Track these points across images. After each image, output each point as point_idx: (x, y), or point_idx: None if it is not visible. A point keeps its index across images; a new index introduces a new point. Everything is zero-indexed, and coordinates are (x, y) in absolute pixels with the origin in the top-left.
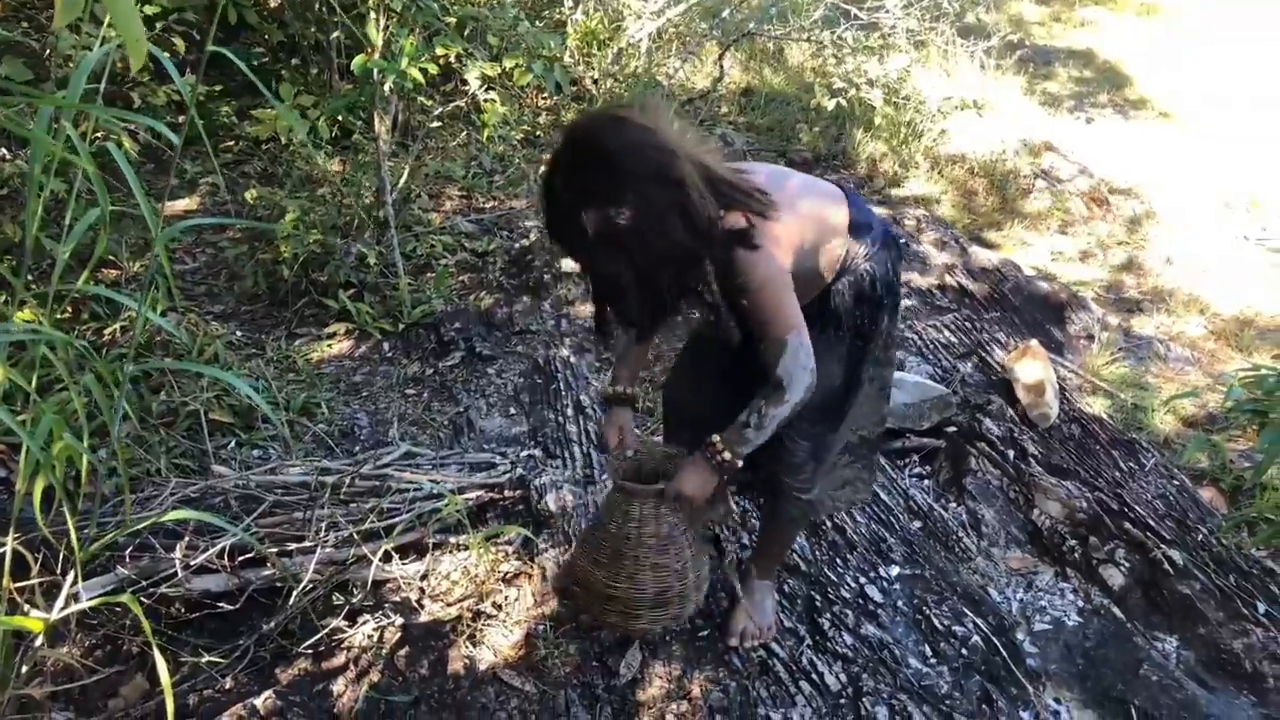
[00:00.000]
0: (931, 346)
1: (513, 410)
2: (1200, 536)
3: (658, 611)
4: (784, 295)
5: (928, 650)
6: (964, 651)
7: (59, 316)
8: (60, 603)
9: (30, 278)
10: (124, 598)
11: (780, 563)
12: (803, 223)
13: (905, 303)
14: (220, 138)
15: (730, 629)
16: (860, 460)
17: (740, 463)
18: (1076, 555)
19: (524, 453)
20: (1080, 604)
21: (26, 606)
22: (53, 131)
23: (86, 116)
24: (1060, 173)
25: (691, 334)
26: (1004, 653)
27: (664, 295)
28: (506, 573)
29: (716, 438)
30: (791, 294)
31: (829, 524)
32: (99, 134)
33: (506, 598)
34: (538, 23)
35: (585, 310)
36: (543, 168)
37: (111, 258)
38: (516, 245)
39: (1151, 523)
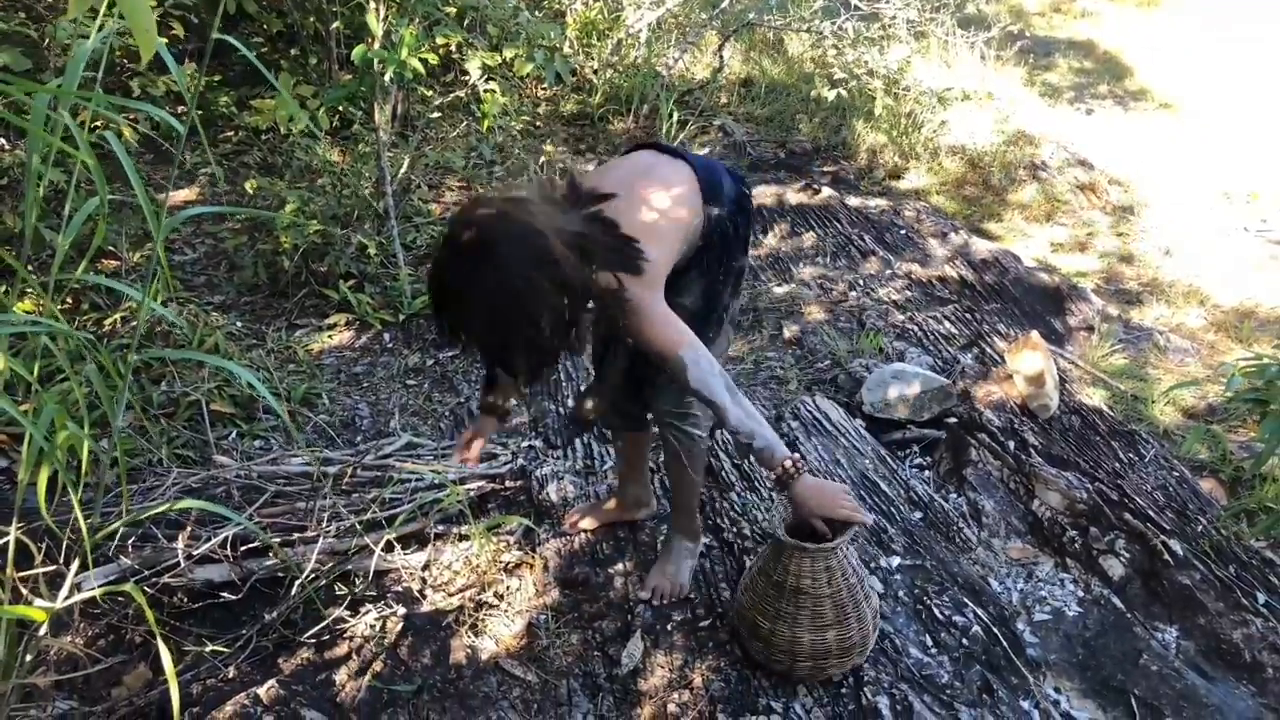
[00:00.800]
0: (932, 337)
1: (513, 400)
2: (1200, 527)
3: (844, 659)
4: (663, 324)
5: (928, 640)
6: (964, 641)
7: (59, 307)
8: (64, 592)
9: (30, 268)
10: (127, 587)
11: (694, 516)
12: (661, 230)
13: (906, 294)
14: (219, 128)
15: (645, 583)
16: None
17: (792, 462)
18: (1076, 546)
19: (524, 443)
20: (1080, 594)
21: (30, 596)
22: (50, 121)
23: (85, 106)
24: (1060, 164)
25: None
26: (1004, 642)
27: (546, 355)
28: (508, 563)
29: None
30: (670, 318)
31: None
32: (97, 123)
33: (508, 588)
34: (537, 13)
35: None
36: (432, 264)
37: (111, 248)
38: None
39: (1151, 513)
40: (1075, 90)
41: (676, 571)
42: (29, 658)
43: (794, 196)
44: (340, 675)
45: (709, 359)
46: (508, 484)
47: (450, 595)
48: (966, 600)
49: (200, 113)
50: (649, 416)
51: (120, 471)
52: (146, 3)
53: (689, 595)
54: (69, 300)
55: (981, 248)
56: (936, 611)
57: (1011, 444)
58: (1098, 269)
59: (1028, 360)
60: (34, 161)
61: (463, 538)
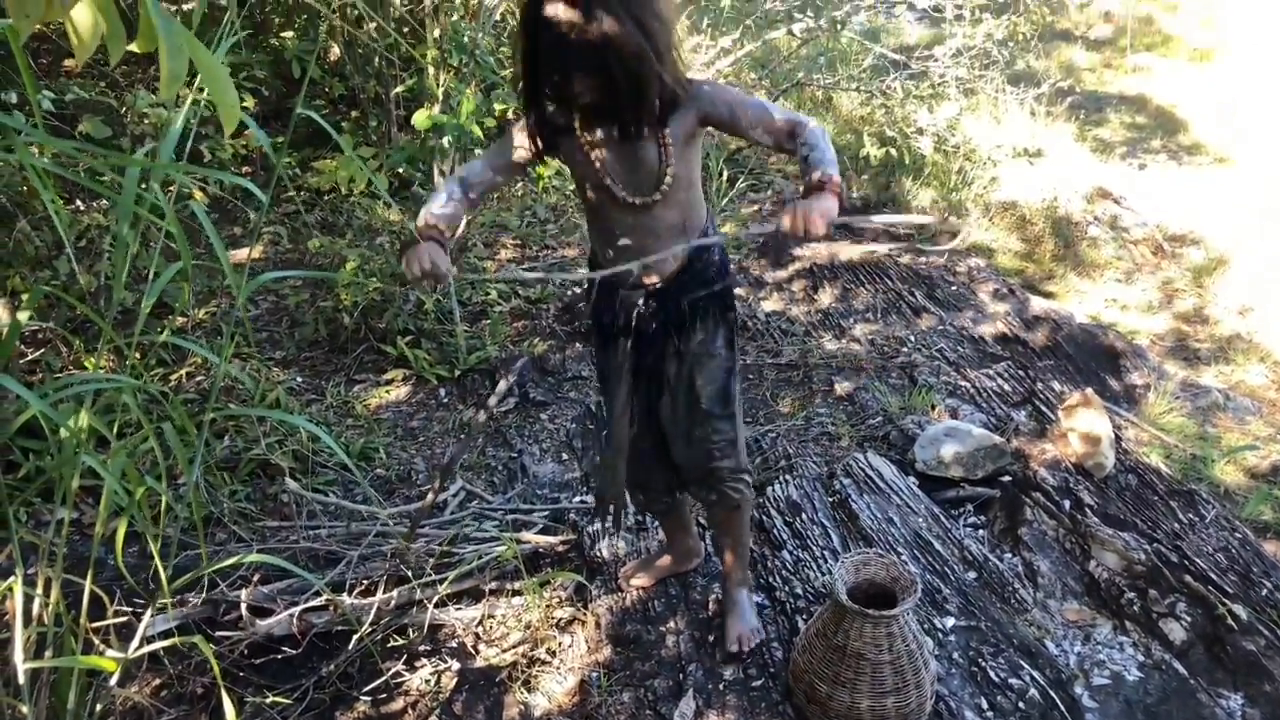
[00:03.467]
0: (984, 394)
1: (565, 456)
2: (1265, 591)
3: None
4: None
5: (984, 703)
6: (1021, 705)
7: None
8: (135, 643)
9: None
10: (195, 639)
11: (748, 563)
12: None
13: (958, 350)
14: (282, 189)
15: (728, 636)
16: None
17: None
18: (1135, 608)
19: (576, 499)
20: (1140, 658)
21: (101, 646)
22: (137, 190)
23: (170, 176)
24: (1115, 220)
25: (600, 367)
26: (1062, 706)
27: (637, 82)
28: (560, 619)
29: (817, 175)
30: None
31: None
32: (171, 186)
33: (560, 644)
34: None
35: None
36: None
37: (176, 305)
38: (569, 293)
39: (1213, 576)
40: (1128, 145)
41: (751, 619)
42: (99, 707)
43: (845, 253)
44: None
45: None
46: (560, 540)
47: (503, 651)
48: (1023, 662)
49: (265, 174)
50: (676, 491)
51: (198, 523)
52: (229, 81)
53: (745, 653)
54: (137, 355)
55: (1035, 304)
56: (992, 674)
57: (1067, 503)
58: (1154, 325)
59: (1083, 418)
60: (124, 229)
61: (516, 593)
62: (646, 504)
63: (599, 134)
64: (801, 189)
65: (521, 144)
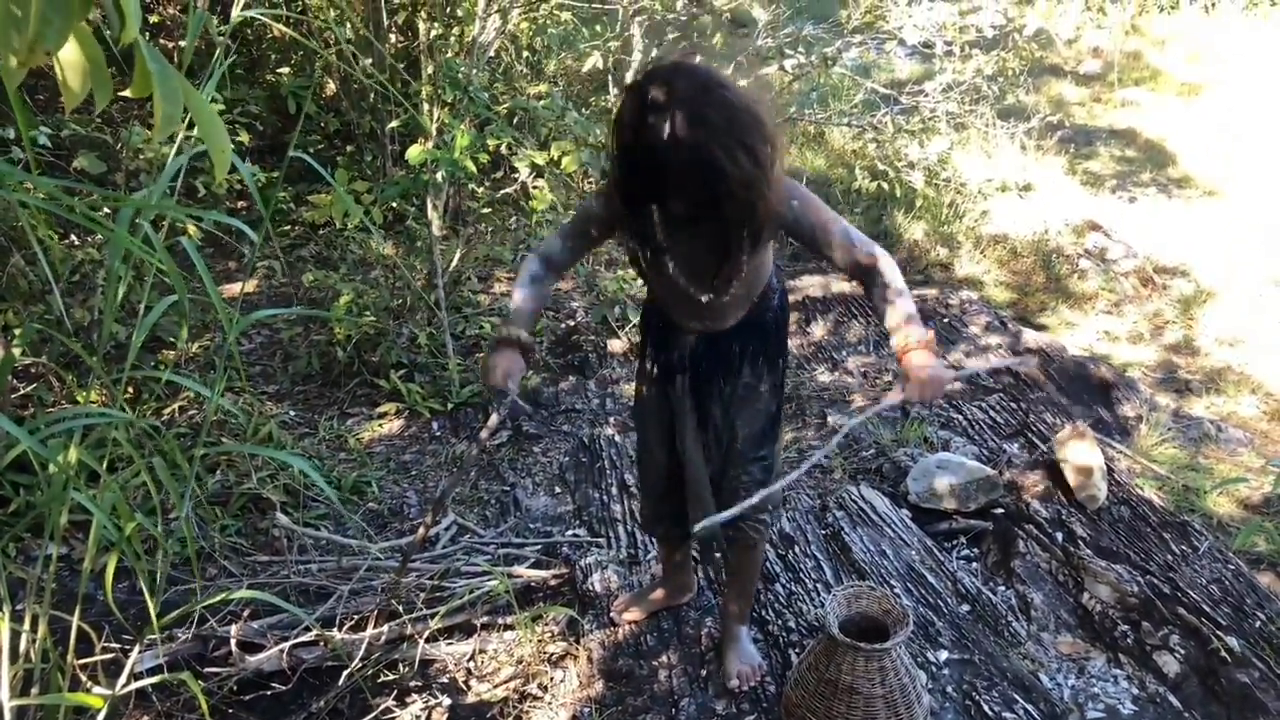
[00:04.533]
0: (977, 427)
1: (558, 489)
2: (1258, 623)
3: None
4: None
5: None
6: None
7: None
8: (123, 679)
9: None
10: (184, 675)
11: (751, 602)
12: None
13: (953, 386)
14: (277, 223)
15: (727, 672)
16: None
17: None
18: (1129, 641)
19: (569, 532)
20: (1135, 691)
21: (89, 683)
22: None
23: (162, 214)
24: (1105, 252)
25: (646, 404)
26: None
27: (751, 187)
28: (552, 654)
29: (898, 339)
30: None
31: None
32: (165, 221)
33: (552, 679)
34: (584, 110)
35: (629, 390)
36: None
37: (170, 339)
38: (563, 325)
39: (1206, 608)
40: (1118, 178)
41: (751, 655)
42: None
43: (837, 286)
44: None
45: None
46: (552, 574)
47: (495, 686)
48: (1017, 696)
49: (259, 209)
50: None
51: (192, 558)
52: (222, 126)
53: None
54: (129, 389)
55: (1028, 337)
56: (986, 708)
57: (1060, 535)
58: (1145, 358)
59: (1075, 450)
60: (115, 265)
61: (508, 628)
62: (665, 534)
63: (680, 235)
64: (897, 346)
65: (600, 225)
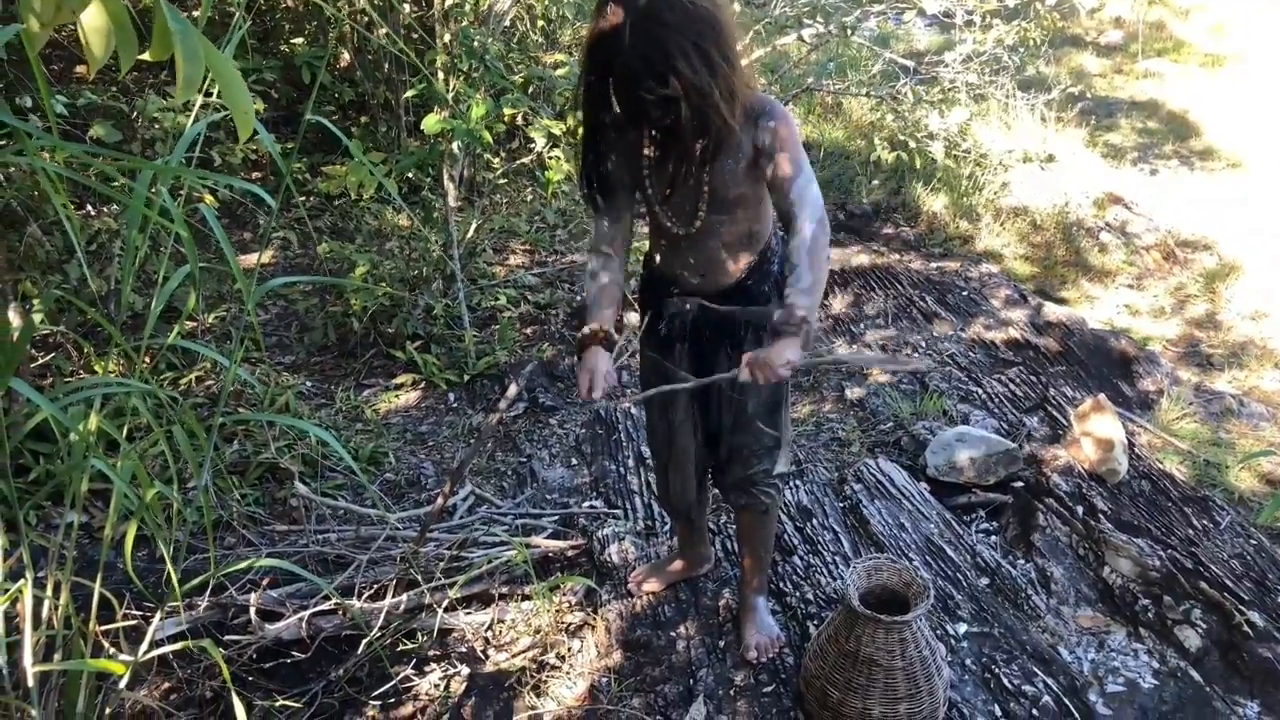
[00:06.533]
0: (996, 400)
1: (574, 461)
2: None
3: None
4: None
5: (997, 709)
6: (1034, 712)
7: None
8: (144, 646)
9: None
10: (205, 643)
11: (768, 570)
12: None
13: (970, 355)
14: (292, 193)
15: (745, 644)
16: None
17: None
18: (1150, 615)
19: (586, 504)
20: (1155, 665)
21: (111, 649)
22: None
23: (177, 178)
24: (1127, 225)
25: (648, 370)
26: (1076, 714)
27: (708, 97)
28: (570, 624)
29: (791, 302)
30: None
31: None
32: (181, 190)
33: (570, 649)
34: None
35: None
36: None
37: (191, 309)
38: (579, 298)
39: (1229, 583)
40: (1139, 150)
41: (770, 627)
42: (108, 710)
43: (856, 259)
44: None
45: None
46: (569, 545)
47: (513, 656)
48: (1036, 669)
49: (274, 179)
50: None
51: (208, 527)
52: (245, 87)
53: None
54: (147, 359)
55: (1048, 310)
56: (1005, 681)
57: (1080, 509)
58: (1167, 331)
59: (1096, 424)
60: (133, 233)
61: (525, 598)
62: (675, 505)
63: (661, 164)
64: (774, 317)
65: (616, 172)
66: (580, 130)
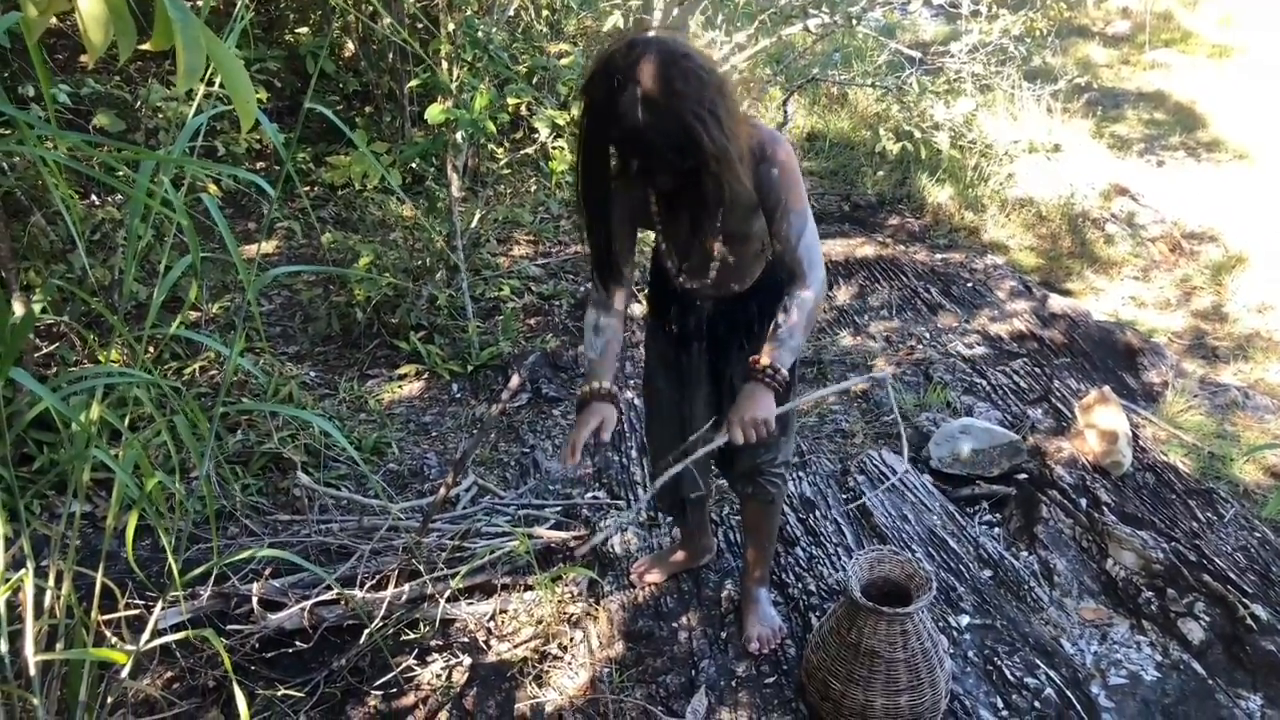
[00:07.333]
0: (1000, 392)
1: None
2: None
3: None
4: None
5: (999, 702)
6: (1037, 704)
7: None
8: (146, 635)
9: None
10: (207, 632)
11: (771, 561)
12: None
13: (974, 347)
14: (295, 183)
15: (747, 635)
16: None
17: (788, 374)
18: (1153, 607)
19: (588, 495)
20: (1158, 658)
21: (113, 639)
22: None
23: (179, 167)
24: (1133, 217)
25: (657, 363)
26: (1078, 706)
27: (718, 191)
28: (572, 615)
29: (762, 357)
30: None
31: None
32: (184, 180)
33: (572, 640)
34: None
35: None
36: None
37: (194, 299)
38: (582, 289)
39: (1232, 576)
40: (1145, 142)
41: (771, 618)
42: (110, 699)
43: (861, 251)
44: None
45: (818, 239)
46: (572, 535)
47: (515, 646)
48: (1038, 662)
49: (279, 169)
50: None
51: (210, 516)
52: (247, 76)
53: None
54: (150, 349)
55: (1053, 302)
56: (1008, 673)
57: (1084, 501)
58: (1173, 323)
59: (1100, 416)
60: (135, 223)
61: (528, 588)
62: (678, 495)
63: (671, 217)
64: (754, 360)
65: (620, 216)
66: (582, 201)
